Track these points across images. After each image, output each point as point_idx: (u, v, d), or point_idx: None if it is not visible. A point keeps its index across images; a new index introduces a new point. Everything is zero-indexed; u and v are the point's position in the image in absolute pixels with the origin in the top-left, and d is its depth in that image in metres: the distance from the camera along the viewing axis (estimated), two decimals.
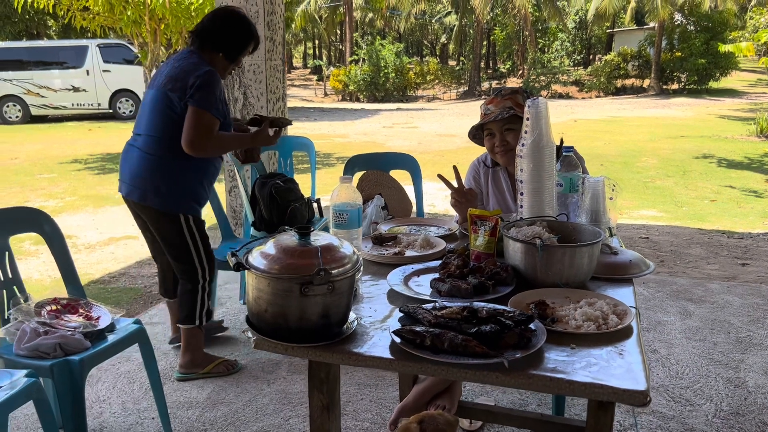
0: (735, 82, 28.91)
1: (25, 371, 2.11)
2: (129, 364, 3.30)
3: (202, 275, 3.06)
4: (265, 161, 4.72)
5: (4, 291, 2.46)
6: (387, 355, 1.47)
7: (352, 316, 1.63)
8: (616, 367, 1.40)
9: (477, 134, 2.60)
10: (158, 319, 3.93)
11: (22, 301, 2.48)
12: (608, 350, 1.49)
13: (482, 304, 1.66)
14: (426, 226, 2.51)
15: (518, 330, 1.46)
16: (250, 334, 1.56)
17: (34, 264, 5.19)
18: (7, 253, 2.48)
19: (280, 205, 3.62)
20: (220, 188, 4.02)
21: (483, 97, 28.13)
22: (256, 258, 1.52)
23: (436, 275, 1.92)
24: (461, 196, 2.39)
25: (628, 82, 28.31)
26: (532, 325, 1.51)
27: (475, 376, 1.40)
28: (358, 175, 3.66)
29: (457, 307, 1.54)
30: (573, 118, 17.26)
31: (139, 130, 2.93)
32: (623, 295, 1.83)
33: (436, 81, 30.99)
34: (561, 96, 27.13)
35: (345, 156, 10.34)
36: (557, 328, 1.56)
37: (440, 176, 2.48)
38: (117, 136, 14.24)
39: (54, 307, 2.52)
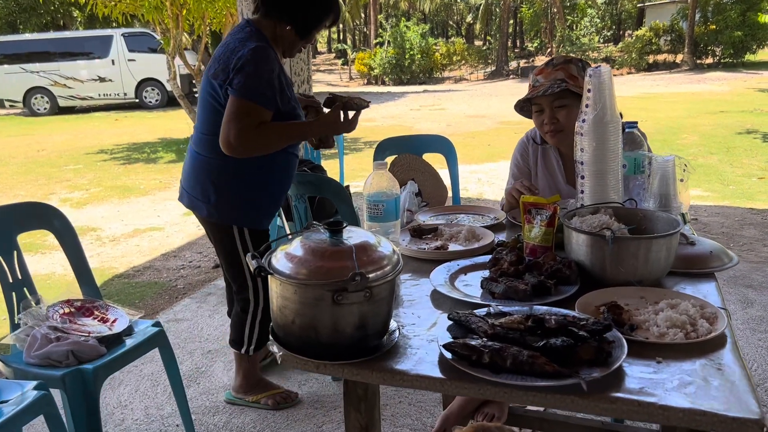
0: None
1: (34, 383, 1.93)
2: (152, 365, 3.12)
3: (255, 300, 2.55)
4: None
5: (14, 293, 2.28)
6: (437, 374, 1.24)
7: (392, 325, 1.40)
8: (717, 387, 1.15)
9: (525, 106, 2.32)
10: (183, 316, 3.75)
11: (33, 303, 2.30)
12: (703, 364, 1.24)
13: (545, 308, 1.42)
14: (469, 214, 2.27)
15: (595, 342, 1.22)
16: (275, 349, 1.34)
17: (58, 258, 5.06)
18: (15, 252, 2.30)
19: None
20: None
21: (511, 76, 27.65)
22: (280, 261, 1.30)
23: (486, 273, 1.68)
24: (528, 189, 2.12)
25: (661, 57, 27.47)
26: (609, 335, 1.27)
27: (546, 400, 1.17)
28: (389, 159, 3.43)
29: (518, 315, 1.30)
30: None
31: (196, 124, 2.45)
32: (707, 292, 1.57)
33: (463, 62, 30.46)
34: None
35: (373, 140, 10.11)
36: (637, 337, 1.32)
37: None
38: (143, 126, 14.19)
39: (67, 310, 2.33)
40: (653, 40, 27.13)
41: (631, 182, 1.96)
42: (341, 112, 2.36)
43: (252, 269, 1.29)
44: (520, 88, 20.41)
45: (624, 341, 1.26)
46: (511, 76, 27.73)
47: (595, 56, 27.87)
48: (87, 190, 7.76)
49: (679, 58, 27.09)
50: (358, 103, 2.38)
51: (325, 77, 31.86)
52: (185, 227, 5.87)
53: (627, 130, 1.93)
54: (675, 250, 1.58)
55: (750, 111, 12.33)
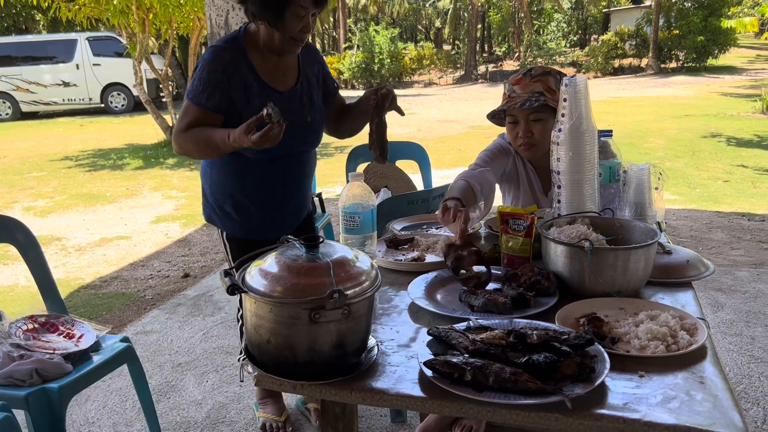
0: (734, 59, 28.52)
1: None
2: (121, 379, 3.04)
3: (239, 308, 2.44)
4: None
5: None
6: (418, 392, 1.21)
7: (371, 341, 1.37)
8: (701, 402, 1.14)
9: (498, 114, 2.27)
10: (152, 328, 3.67)
11: None
12: (685, 377, 1.23)
13: (525, 321, 1.40)
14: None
15: (577, 358, 1.20)
16: (250, 369, 1.30)
17: (21, 268, 4.91)
18: None
19: None
20: None
21: (480, 81, 27.82)
22: (254, 277, 1.26)
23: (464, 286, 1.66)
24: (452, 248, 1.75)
25: (626, 61, 27.89)
26: (591, 349, 1.25)
27: (530, 418, 1.14)
28: (362, 166, 3.40)
29: (499, 331, 1.27)
30: None
31: None
32: (685, 302, 1.57)
33: (432, 66, 30.59)
34: None
35: (343, 146, 10.06)
36: (619, 350, 1.30)
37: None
38: (109, 131, 13.93)
39: (31, 326, 2.25)
40: (618, 45, 27.55)
41: (606, 191, 1.95)
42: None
43: (225, 287, 1.25)
44: (488, 93, 20.55)
45: (606, 355, 1.24)
46: (480, 81, 27.90)
47: (561, 61, 28.22)
48: (51, 198, 7.58)
49: (644, 62, 27.56)
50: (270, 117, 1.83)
51: None
52: (153, 236, 5.76)
53: (602, 138, 1.93)
54: (653, 260, 1.57)
55: (714, 115, 12.57)
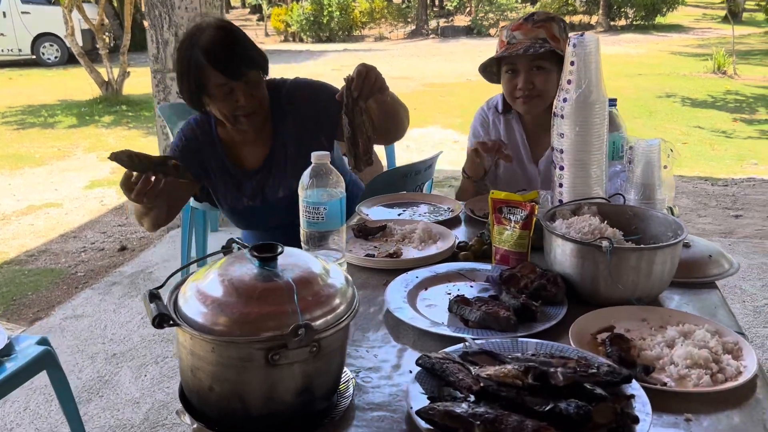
0: (681, 17, 28.72)
1: None
2: (45, 376, 2.67)
3: None
4: None
5: None
6: None
7: (345, 372, 1.08)
8: None
9: (491, 67, 2.02)
10: (83, 311, 3.29)
11: None
12: (743, 419, 0.98)
13: (534, 342, 1.13)
14: (420, 204, 1.95)
15: (613, 404, 0.93)
16: (187, 420, 0.99)
17: None
18: None
19: None
20: (148, 148, 3.27)
21: (431, 36, 27.33)
22: (189, 301, 0.94)
23: (452, 287, 1.39)
24: (490, 149, 1.84)
25: (576, 18, 27.80)
26: (627, 388, 0.99)
27: None
28: None
29: (512, 367, 0.99)
30: None
31: None
32: (714, 310, 1.32)
33: (383, 20, 29.88)
34: None
35: None
36: (654, 383, 1.04)
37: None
38: (40, 85, 13.02)
39: None
40: (570, 1, 27.39)
41: (609, 170, 1.69)
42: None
43: (150, 316, 0.93)
44: (441, 49, 20.17)
45: (645, 395, 0.98)
46: (431, 36, 27.40)
47: (513, 17, 27.89)
48: None
49: (594, 19, 27.51)
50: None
51: None
52: (86, 203, 5.29)
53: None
54: (678, 260, 1.31)
55: (666, 74, 12.54)
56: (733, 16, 19.46)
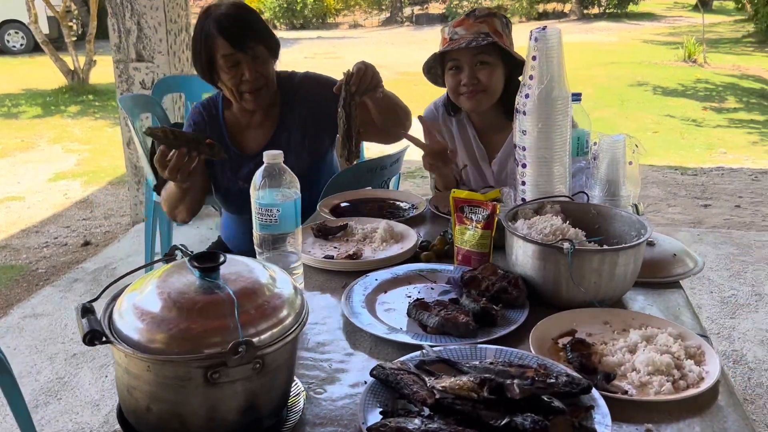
0: (653, 5, 28.92)
1: None
2: None
3: None
4: (169, 107, 3.94)
5: None
6: None
7: (296, 384, 1.03)
8: None
9: (435, 68, 1.97)
10: (43, 309, 3.20)
11: None
12: (703, 427, 0.95)
13: (493, 348, 1.10)
14: (382, 199, 1.90)
15: (571, 417, 0.90)
16: None
17: None
18: None
19: None
20: (116, 139, 3.16)
21: (406, 23, 27.20)
22: (124, 316, 0.89)
23: (412, 289, 1.34)
24: (436, 157, 1.79)
25: (550, 6, 27.86)
26: (586, 398, 0.96)
27: None
28: None
29: (468, 379, 0.95)
30: None
31: None
32: (675, 309, 1.31)
33: (357, 7, 29.67)
34: None
35: None
36: (615, 392, 1.01)
37: (405, 134, 1.87)
38: (4, 74, 12.69)
39: None
40: None
41: (573, 165, 1.65)
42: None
43: (81, 332, 0.87)
44: (415, 37, 20.07)
45: (605, 406, 0.95)
46: (406, 24, 27.28)
47: (487, 4, 27.89)
48: None
49: (568, 7, 27.59)
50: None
51: None
52: (50, 196, 5.15)
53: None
54: (641, 260, 1.28)
55: (638, 63, 12.60)
56: (704, 4, 19.60)
